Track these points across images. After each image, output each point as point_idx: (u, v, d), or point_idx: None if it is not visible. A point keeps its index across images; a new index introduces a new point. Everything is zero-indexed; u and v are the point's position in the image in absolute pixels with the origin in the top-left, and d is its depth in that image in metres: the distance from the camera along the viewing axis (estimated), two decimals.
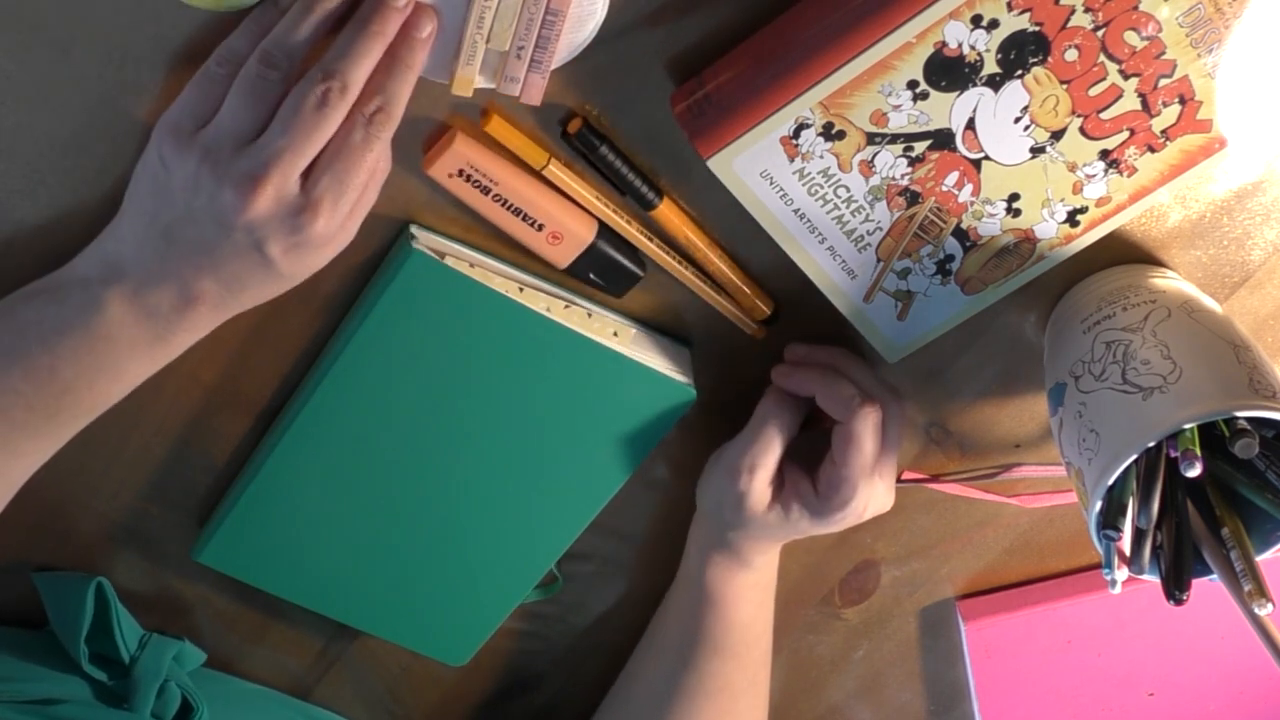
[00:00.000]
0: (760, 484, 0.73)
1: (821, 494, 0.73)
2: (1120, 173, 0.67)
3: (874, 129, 0.64)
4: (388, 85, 0.60)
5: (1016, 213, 0.67)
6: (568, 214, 0.68)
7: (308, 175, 0.59)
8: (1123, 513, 0.67)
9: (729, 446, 0.75)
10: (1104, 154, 0.66)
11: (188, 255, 0.60)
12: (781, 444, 0.73)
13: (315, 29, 0.59)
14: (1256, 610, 0.66)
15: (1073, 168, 0.66)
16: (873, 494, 0.73)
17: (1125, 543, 0.69)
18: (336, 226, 0.60)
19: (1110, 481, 0.65)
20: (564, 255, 0.69)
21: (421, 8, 0.60)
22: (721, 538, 0.77)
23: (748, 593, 0.79)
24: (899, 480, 0.82)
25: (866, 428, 0.71)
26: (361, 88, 0.59)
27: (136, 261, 0.61)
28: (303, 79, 0.58)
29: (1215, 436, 0.68)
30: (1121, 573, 0.69)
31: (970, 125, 0.64)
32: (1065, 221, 0.68)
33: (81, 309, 0.61)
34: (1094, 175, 0.67)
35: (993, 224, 0.68)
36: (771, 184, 0.65)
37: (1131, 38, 0.63)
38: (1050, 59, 0.63)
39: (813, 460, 0.74)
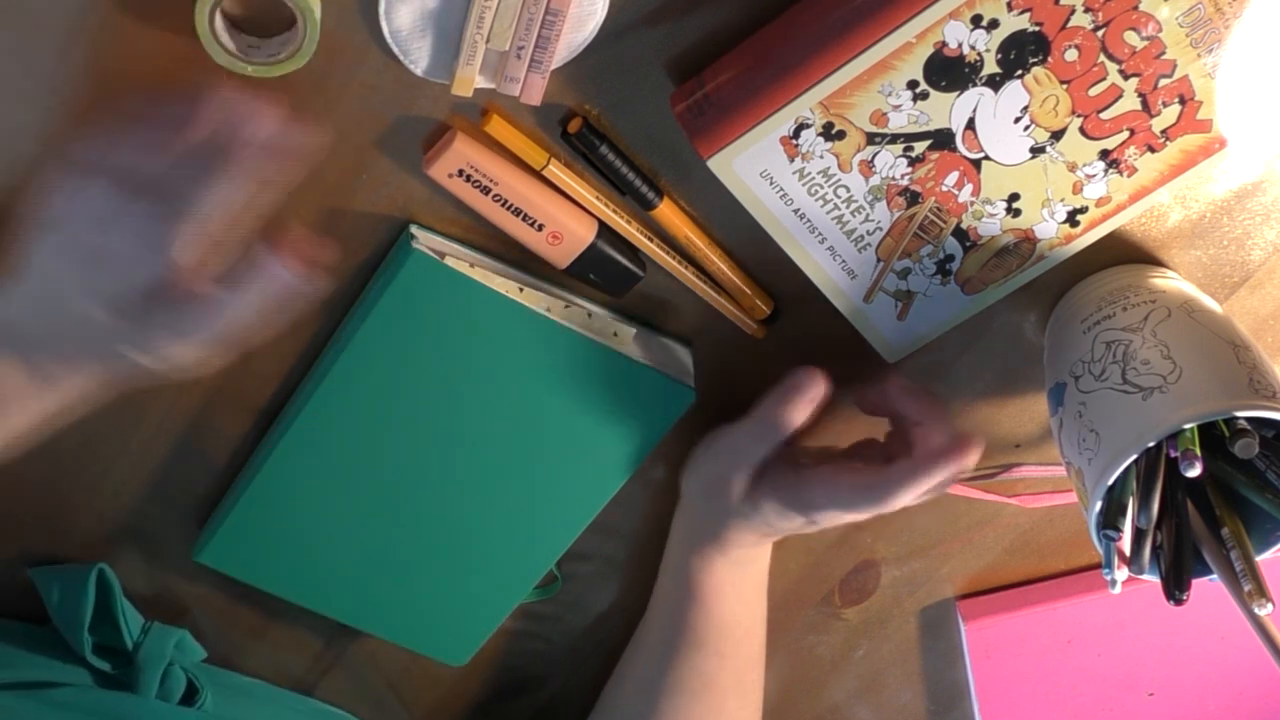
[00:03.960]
0: (742, 477, 0.74)
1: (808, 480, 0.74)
2: (1120, 173, 0.67)
3: (874, 129, 0.64)
4: None
5: (1016, 213, 0.67)
6: (568, 214, 0.68)
7: None
8: (1123, 513, 0.67)
9: (725, 434, 0.75)
10: (1104, 154, 0.66)
11: None
12: (780, 441, 0.74)
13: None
14: (1256, 610, 0.66)
15: (1073, 168, 0.66)
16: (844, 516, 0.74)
17: (1125, 543, 0.69)
18: None
19: (1110, 481, 0.65)
20: (564, 255, 0.69)
21: None
22: (700, 526, 0.77)
23: (728, 588, 0.79)
24: None
25: (940, 474, 0.71)
26: None
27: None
28: None
29: (1215, 436, 0.68)
30: (1121, 573, 0.69)
31: (970, 125, 0.64)
32: (1065, 221, 0.68)
33: None
34: (1094, 175, 0.67)
35: (993, 224, 0.68)
36: (771, 184, 0.65)
37: (1131, 38, 0.63)
38: (1050, 59, 0.63)
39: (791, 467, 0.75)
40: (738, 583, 0.79)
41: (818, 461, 0.75)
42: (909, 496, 0.71)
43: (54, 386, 0.60)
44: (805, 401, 0.73)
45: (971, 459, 0.70)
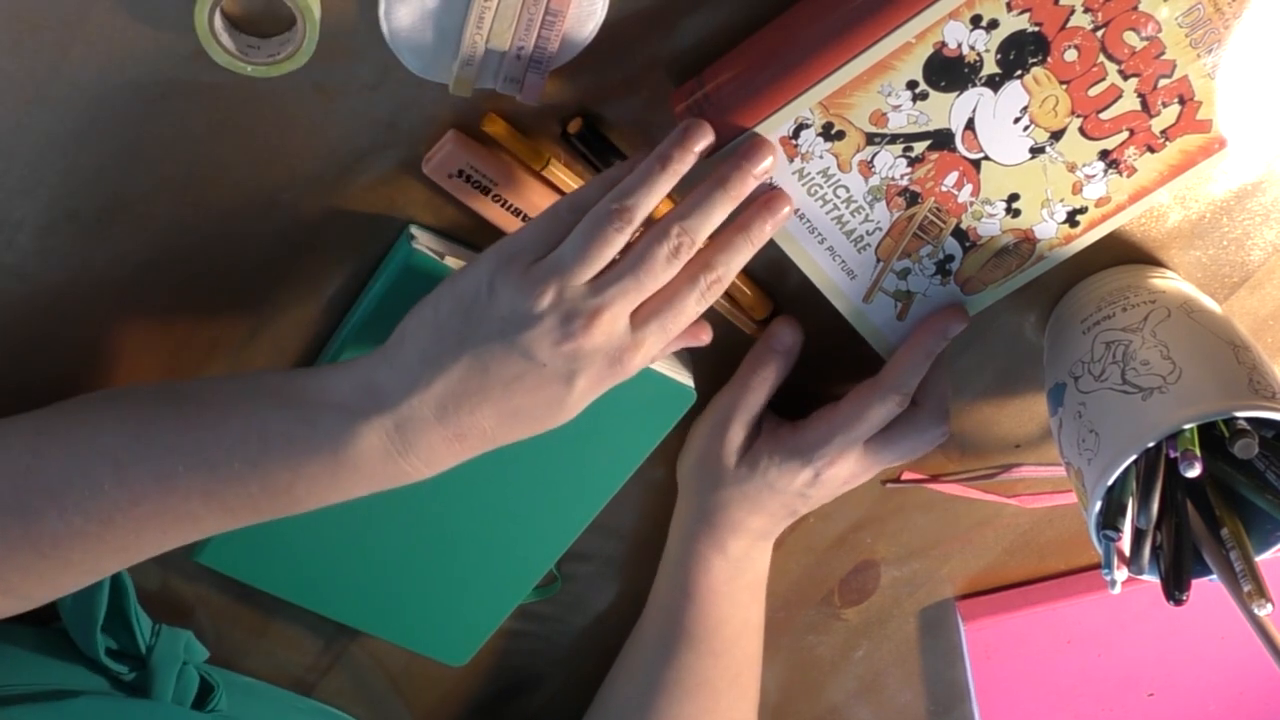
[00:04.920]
0: (736, 436, 0.75)
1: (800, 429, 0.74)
2: (1120, 173, 0.67)
3: (873, 129, 0.64)
4: (730, 257, 0.62)
5: (1016, 213, 0.67)
6: None
7: (634, 315, 0.61)
8: (1122, 513, 0.67)
9: (711, 406, 0.76)
10: (1104, 154, 0.66)
11: (480, 388, 0.60)
12: (765, 393, 0.75)
13: (667, 190, 0.60)
14: (1256, 610, 0.67)
15: (1072, 168, 0.66)
16: (844, 457, 0.74)
17: (1125, 543, 0.69)
18: (642, 366, 0.62)
19: (1110, 481, 0.65)
20: None
21: (780, 191, 0.64)
22: (697, 513, 0.77)
23: (723, 587, 0.79)
24: (898, 480, 0.82)
25: (933, 341, 0.71)
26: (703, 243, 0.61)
27: (409, 393, 0.60)
28: (656, 227, 0.60)
29: (1215, 436, 0.68)
30: (1121, 573, 0.69)
31: (970, 125, 0.64)
32: (1065, 222, 0.68)
33: (333, 437, 0.60)
34: (1094, 175, 0.67)
35: (992, 224, 0.68)
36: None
37: (1131, 38, 0.63)
38: (1050, 59, 0.63)
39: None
40: (734, 582, 0.79)
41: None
42: (906, 375, 0.71)
43: (413, 466, 0.62)
44: (782, 353, 0.74)
45: (959, 322, 0.70)
